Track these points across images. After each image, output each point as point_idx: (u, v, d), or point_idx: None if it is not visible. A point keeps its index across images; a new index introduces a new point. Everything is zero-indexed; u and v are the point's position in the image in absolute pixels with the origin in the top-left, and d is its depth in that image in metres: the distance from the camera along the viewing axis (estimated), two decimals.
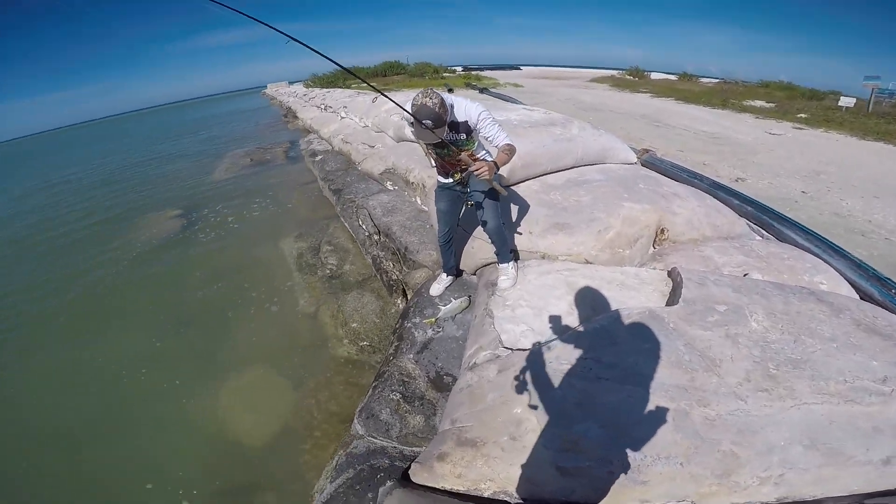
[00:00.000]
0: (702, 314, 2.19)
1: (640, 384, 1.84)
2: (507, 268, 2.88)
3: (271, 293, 4.53)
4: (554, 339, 2.21)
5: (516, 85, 18.38)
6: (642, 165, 4.73)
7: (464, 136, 2.37)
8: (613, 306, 2.44)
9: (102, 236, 7.26)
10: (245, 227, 6.55)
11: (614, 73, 26.44)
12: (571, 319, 2.41)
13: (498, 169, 2.33)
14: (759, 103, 13.40)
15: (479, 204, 2.62)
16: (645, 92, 16.73)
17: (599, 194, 3.46)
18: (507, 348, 2.30)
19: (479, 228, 2.92)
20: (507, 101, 9.65)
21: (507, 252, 2.89)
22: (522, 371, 2.04)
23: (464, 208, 2.89)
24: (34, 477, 2.92)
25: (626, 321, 2.19)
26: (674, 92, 16.13)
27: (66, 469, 2.93)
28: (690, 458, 1.61)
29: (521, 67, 32.46)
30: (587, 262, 3.04)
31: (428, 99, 2.11)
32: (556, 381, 1.93)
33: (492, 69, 30.54)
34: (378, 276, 4.10)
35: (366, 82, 3.12)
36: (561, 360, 2.03)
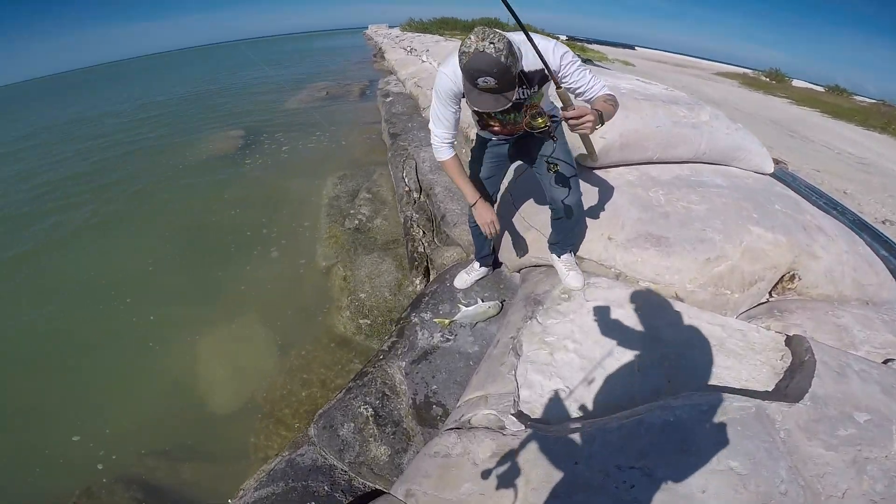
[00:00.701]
0: (832, 424, 1.42)
1: None
2: (573, 260, 2.12)
3: (291, 236, 4.06)
4: (593, 425, 1.42)
5: (626, 62, 16.39)
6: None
7: (535, 88, 1.59)
8: (700, 380, 1.64)
9: (166, 146, 7.54)
10: (293, 159, 6.23)
11: (746, 71, 22.92)
12: (632, 389, 1.60)
13: (602, 123, 1.46)
14: None
15: (558, 173, 1.79)
16: (782, 97, 14.19)
17: (718, 206, 2.48)
18: (520, 416, 1.54)
19: (535, 213, 2.13)
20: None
21: (576, 243, 2.13)
22: (527, 466, 1.31)
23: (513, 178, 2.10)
24: None
25: (715, 416, 1.41)
26: (818, 104, 13.48)
27: None
28: None
29: (636, 47, 29.25)
30: (677, 297, 2.15)
31: (488, 42, 1.28)
32: (573, 496, 1.22)
33: (601, 44, 27.68)
34: (405, 241, 3.40)
35: None
36: (593, 462, 1.28)
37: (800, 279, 2.34)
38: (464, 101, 1.55)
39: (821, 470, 1.34)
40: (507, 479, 1.27)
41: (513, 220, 2.54)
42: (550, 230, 2.11)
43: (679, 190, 2.58)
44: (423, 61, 9.77)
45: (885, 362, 1.86)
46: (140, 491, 2.13)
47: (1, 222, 5.18)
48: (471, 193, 1.75)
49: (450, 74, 1.52)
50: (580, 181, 1.90)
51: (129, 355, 2.94)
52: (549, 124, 1.55)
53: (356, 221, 3.90)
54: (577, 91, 1.60)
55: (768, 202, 2.64)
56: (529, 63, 1.47)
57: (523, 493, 1.24)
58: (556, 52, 1.49)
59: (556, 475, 1.24)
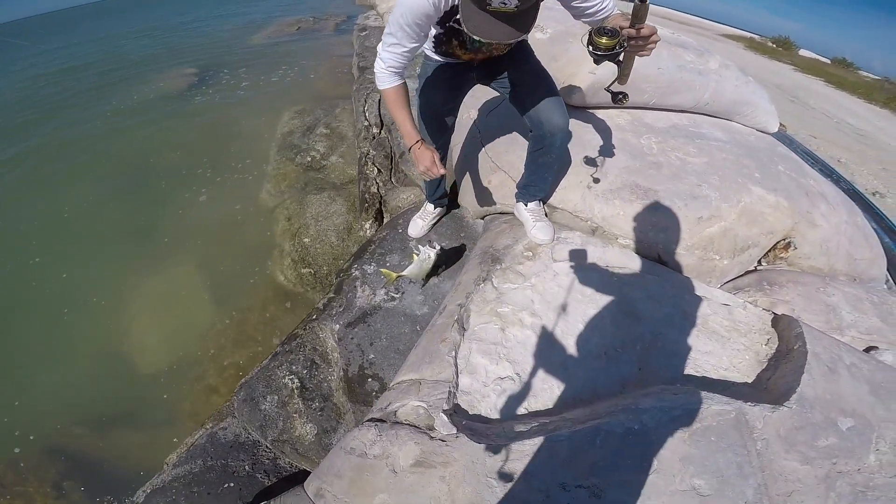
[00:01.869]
0: (814, 433, 1.23)
1: None
2: (542, 210, 1.83)
3: (234, 174, 3.60)
4: (540, 429, 1.13)
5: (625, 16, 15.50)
6: None
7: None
8: (678, 369, 1.40)
9: (107, 85, 6.67)
10: (251, 94, 5.58)
11: (753, 35, 22.04)
12: (595, 382, 1.33)
13: None
14: None
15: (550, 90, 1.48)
16: (787, 63, 13.66)
17: (718, 160, 2.14)
18: (455, 412, 1.23)
19: (504, 152, 1.75)
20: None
21: (548, 189, 1.86)
22: (453, 483, 1.04)
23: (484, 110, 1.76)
24: None
25: (688, 423, 1.16)
26: (823, 73, 13.02)
27: None
28: None
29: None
30: (660, 259, 1.85)
31: None
32: None
33: None
34: (359, 181, 2.96)
35: None
36: (534, 477, 1.03)
37: (795, 248, 2.10)
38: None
39: (790, 487, 1.18)
40: (428, 496, 0.98)
41: (478, 156, 2.15)
42: (523, 170, 1.73)
43: (675, 139, 2.22)
44: None
45: (868, 350, 1.70)
46: (66, 463, 1.96)
47: None
48: (410, 133, 1.42)
49: None
50: None
51: (43, 319, 2.60)
52: (622, 44, 1.11)
53: (308, 158, 3.47)
54: (591, 12, 1.26)
55: (771, 162, 2.34)
56: None
57: None
58: None
59: (486, 495, 0.96)
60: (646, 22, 1.07)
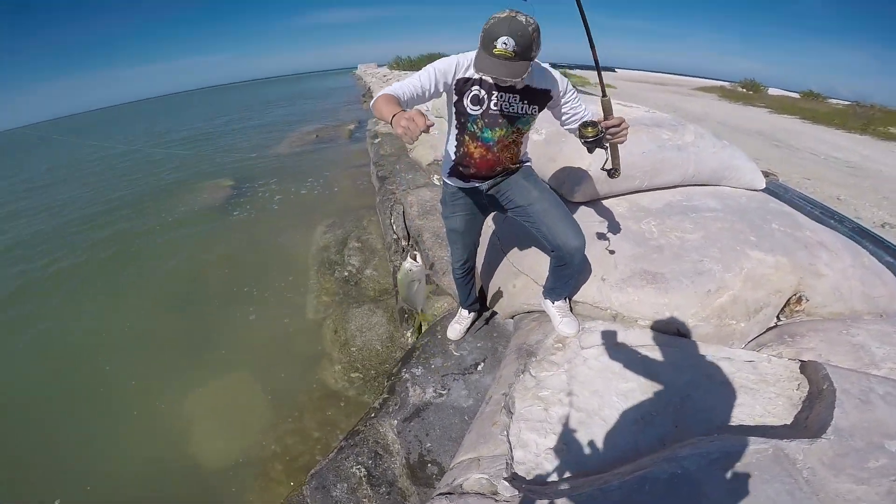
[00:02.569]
0: (860, 457, 1.29)
1: None
2: (567, 306, 2.03)
3: (281, 290, 3.99)
4: (595, 480, 1.30)
5: (609, 85, 16.76)
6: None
7: (537, 110, 1.58)
8: (711, 423, 1.51)
9: (155, 197, 7.55)
10: (284, 209, 6.22)
11: (724, 83, 23.44)
12: (637, 442, 1.47)
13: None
14: None
15: (565, 213, 1.73)
16: (761, 106, 14.42)
17: (714, 232, 2.38)
18: (514, 479, 1.40)
19: (523, 257, 2.04)
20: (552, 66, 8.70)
21: (572, 289, 2.05)
22: None
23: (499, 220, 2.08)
24: None
25: (728, 463, 1.27)
26: (797, 110, 13.68)
27: None
28: None
29: (616, 69, 30.05)
30: (679, 333, 2.03)
31: (521, 15, 1.28)
32: None
33: (582, 69, 28.49)
34: (395, 292, 3.32)
35: None
36: None
37: (807, 300, 2.22)
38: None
39: None
40: None
41: (500, 263, 2.45)
42: (548, 275, 1.98)
43: (671, 218, 2.50)
44: None
45: None
46: None
47: None
48: (390, 111, 1.39)
49: (459, 57, 1.50)
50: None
51: (111, 420, 2.85)
52: (601, 132, 1.48)
53: (346, 272, 3.84)
54: (575, 118, 1.63)
55: (765, 222, 2.54)
56: (537, 81, 1.50)
57: None
58: (562, 79, 1.57)
59: None
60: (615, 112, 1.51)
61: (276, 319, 3.57)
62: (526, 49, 1.26)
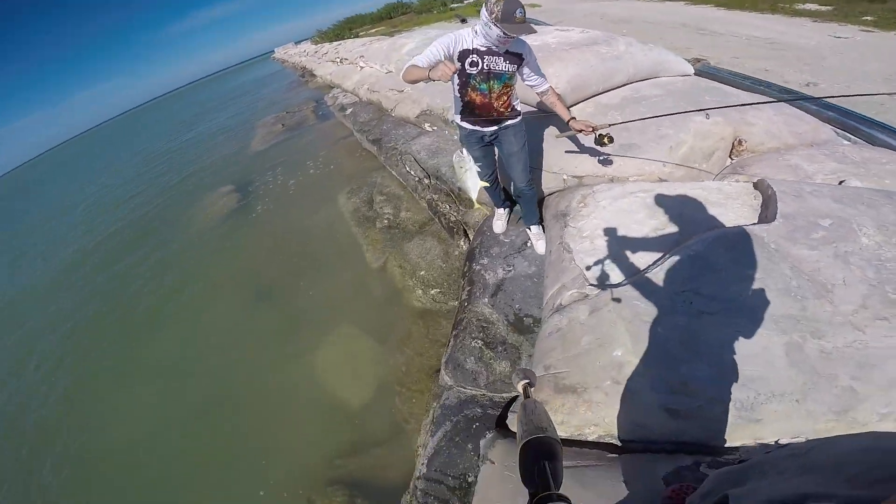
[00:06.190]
0: (805, 230, 1.93)
1: (747, 316, 1.68)
2: (540, 230, 2.84)
3: (337, 253, 4.56)
4: (645, 272, 2.05)
5: (533, 5, 17.10)
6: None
7: (515, 67, 2.21)
8: (703, 227, 2.20)
9: (162, 224, 7.67)
10: (296, 193, 6.57)
11: None
12: (659, 246, 2.20)
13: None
14: (812, 6, 11.81)
15: (511, 152, 2.50)
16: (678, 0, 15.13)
17: (663, 109, 3.23)
18: (593, 285, 2.16)
19: (535, 158, 2.84)
20: (535, 23, 9.14)
21: (536, 210, 2.82)
22: (617, 310, 1.91)
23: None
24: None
25: (722, 244, 1.97)
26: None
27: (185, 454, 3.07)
28: (806, 395, 1.50)
29: None
30: (661, 180, 2.82)
31: None
32: (656, 318, 1.81)
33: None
34: (437, 219, 4.06)
35: None
36: (657, 295, 1.88)
37: (746, 141, 3.03)
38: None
39: (815, 266, 1.76)
40: (610, 321, 1.89)
41: None
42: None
43: (629, 107, 3.27)
44: (363, 67, 10.12)
45: (840, 183, 2.43)
46: (347, 491, 2.48)
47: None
48: (424, 71, 2.04)
49: (470, 33, 2.10)
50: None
51: (272, 390, 3.30)
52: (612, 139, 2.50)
53: (385, 221, 4.53)
54: (529, 78, 2.30)
55: (700, 96, 3.32)
56: (514, 46, 2.12)
57: (627, 325, 1.84)
58: (527, 44, 2.19)
59: (640, 307, 1.88)
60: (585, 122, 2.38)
61: (348, 278, 4.13)
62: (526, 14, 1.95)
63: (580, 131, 2.41)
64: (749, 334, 1.64)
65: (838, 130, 3.36)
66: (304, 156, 7.82)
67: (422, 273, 3.70)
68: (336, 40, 22.53)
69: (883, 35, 8.58)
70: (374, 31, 21.99)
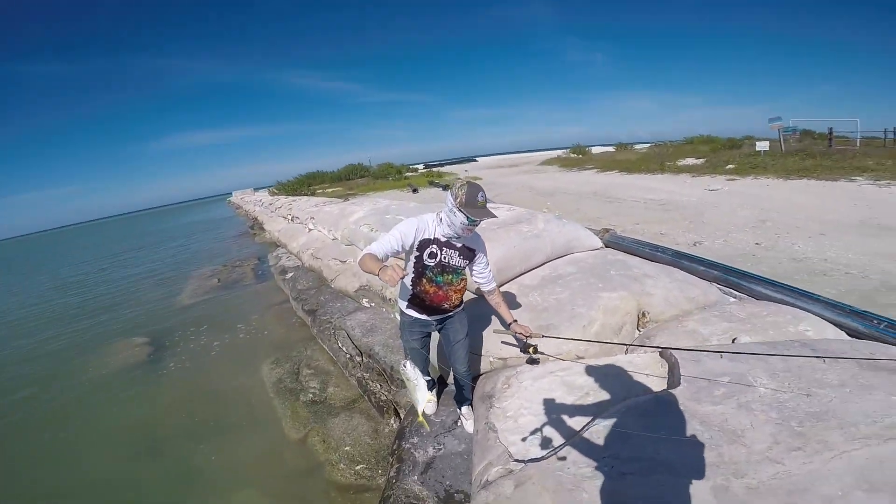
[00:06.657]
0: (707, 390, 2.17)
1: (667, 471, 1.79)
2: (469, 410, 2.90)
3: (251, 419, 4.26)
4: (566, 444, 2.14)
5: (475, 178, 19.49)
6: (606, 246, 4.86)
7: (467, 263, 2.36)
8: (618, 398, 2.37)
9: (65, 365, 6.79)
10: (219, 355, 6.18)
11: (560, 153, 28.80)
12: (579, 419, 2.32)
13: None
14: (690, 161, 14.69)
15: (457, 340, 2.63)
16: (591, 168, 18.15)
17: (576, 288, 3.53)
18: (518, 461, 2.20)
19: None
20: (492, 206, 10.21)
21: (469, 392, 2.88)
22: (541, 482, 1.94)
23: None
24: None
25: (636, 411, 2.14)
26: (615, 164, 17.58)
27: None
28: None
29: (477, 159, 34.90)
30: (578, 358, 3.01)
31: (469, 181, 2.10)
32: (580, 487, 1.86)
33: (451, 163, 32.60)
34: (366, 397, 3.95)
35: None
36: (579, 464, 1.96)
37: (649, 313, 3.38)
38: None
39: (722, 418, 1.94)
40: (535, 494, 1.87)
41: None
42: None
43: (547, 287, 3.65)
44: (311, 229, 10.07)
45: (733, 341, 2.74)
46: None
47: None
48: (377, 266, 1.94)
49: (418, 222, 2.19)
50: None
51: None
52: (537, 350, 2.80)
53: (310, 395, 4.32)
54: (479, 275, 2.48)
55: (605, 271, 3.79)
56: (470, 242, 2.30)
57: (552, 497, 1.82)
58: (483, 244, 2.42)
59: (564, 477, 1.91)
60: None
61: (259, 445, 3.83)
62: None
63: (520, 334, 2.61)
64: (674, 486, 1.71)
65: (723, 288, 3.83)
66: (236, 317, 7.47)
67: (346, 448, 3.53)
68: (293, 195, 23.52)
69: (744, 182, 10.53)
70: (330, 190, 23.59)
